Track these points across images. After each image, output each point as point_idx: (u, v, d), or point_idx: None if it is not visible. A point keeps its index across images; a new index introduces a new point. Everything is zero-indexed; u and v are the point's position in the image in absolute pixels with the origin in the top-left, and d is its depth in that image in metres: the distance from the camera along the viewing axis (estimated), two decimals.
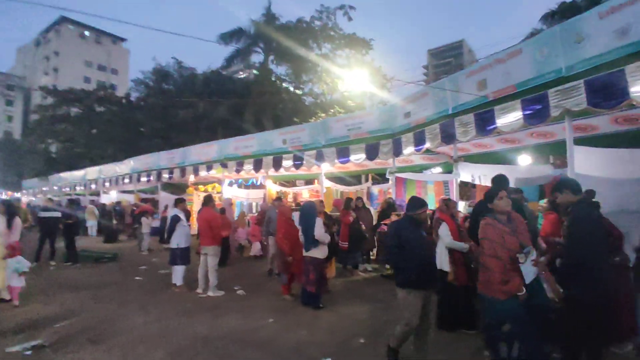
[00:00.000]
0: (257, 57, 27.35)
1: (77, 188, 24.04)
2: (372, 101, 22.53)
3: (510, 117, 6.49)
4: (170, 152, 16.46)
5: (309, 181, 15.63)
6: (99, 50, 66.34)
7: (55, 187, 27.03)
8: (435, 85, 8.63)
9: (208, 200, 6.79)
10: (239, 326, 4.87)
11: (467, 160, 11.28)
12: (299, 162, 11.76)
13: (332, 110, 19.21)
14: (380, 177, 14.85)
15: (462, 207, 8.42)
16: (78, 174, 24.30)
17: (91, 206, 17.33)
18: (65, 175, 26.17)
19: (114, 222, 15.94)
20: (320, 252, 5.35)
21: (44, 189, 28.43)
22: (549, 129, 7.65)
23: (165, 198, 16.40)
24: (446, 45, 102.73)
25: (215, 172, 14.38)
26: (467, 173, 8.27)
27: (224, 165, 13.55)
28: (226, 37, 25.08)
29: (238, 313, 5.36)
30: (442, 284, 4.38)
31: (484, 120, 7.04)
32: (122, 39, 72.24)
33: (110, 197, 21.40)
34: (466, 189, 10.08)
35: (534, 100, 6.09)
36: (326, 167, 11.84)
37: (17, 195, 32.30)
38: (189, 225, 7.00)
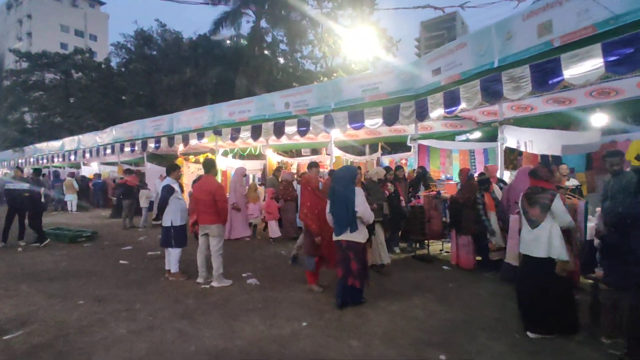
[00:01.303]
0: (247, 21, 25.31)
1: (55, 160, 22.26)
2: (377, 67, 20.83)
3: (584, 66, 5.24)
4: (156, 119, 14.84)
5: (314, 150, 14.27)
6: (76, 14, 61.97)
7: (31, 159, 25.09)
8: (478, 34, 7.26)
9: (210, 166, 5.35)
10: (263, 333, 3.59)
11: (485, 125, 10.13)
12: (305, 129, 10.41)
13: (335, 75, 17.61)
14: (389, 146, 13.60)
15: (508, 176, 7.25)
16: (55, 144, 22.43)
17: (70, 179, 15.74)
18: (42, 146, 24.22)
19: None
20: (362, 235, 4.11)
21: (20, 161, 26.45)
22: (617, 84, 6.47)
23: (152, 170, 14.91)
24: (439, 17, 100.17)
25: (207, 141, 12.92)
26: (512, 138, 7.06)
27: (218, 133, 12.10)
28: None
29: (257, 312, 4.11)
30: (547, 276, 3.24)
31: (545, 72, 5.77)
32: (101, 2, 67.73)
33: (91, 170, 19.78)
34: (511, 156, 8.90)
35: (623, 42, 4.83)
36: (336, 134, 10.49)
37: None
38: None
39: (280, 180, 9.41)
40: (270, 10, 22.73)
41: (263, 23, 24.83)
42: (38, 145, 24.79)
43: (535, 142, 7.14)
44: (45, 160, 23.47)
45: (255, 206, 9.05)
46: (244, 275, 5.55)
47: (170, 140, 13.67)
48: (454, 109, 7.63)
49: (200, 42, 28.12)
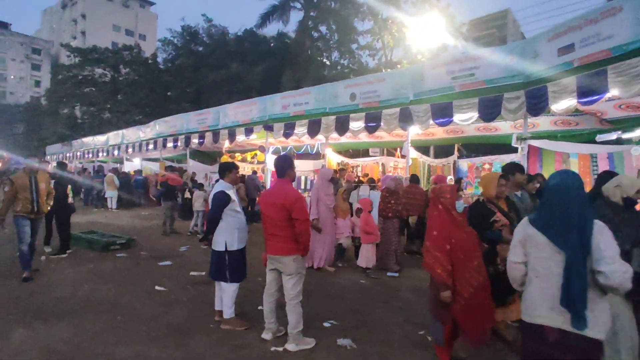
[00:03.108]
0: (296, 15, 23.93)
1: (100, 154, 21.92)
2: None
3: None
4: (201, 112, 13.61)
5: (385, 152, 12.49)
6: (127, 14, 63.84)
7: (78, 154, 25.07)
8: None
9: (286, 165, 3.46)
10: None
11: (616, 123, 7.93)
12: (374, 124, 8.67)
13: (399, 67, 15.72)
14: (464, 148, 11.59)
15: None
16: (100, 138, 22.09)
17: (111, 175, 14.90)
18: (88, 140, 24.07)
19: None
20: (603, 327, 2.19)
21: (68, 155, 26.59)
22: None
23: (194, 168, 13.76)
24: (489, 15, 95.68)
25: (256, 137, 11.49)
26: None
27: (268, 128, 10.61)
28: None
29: None
30: None
31: None
32: (151, 3, 69.46)
33: (133, 165, 19.08)
34: None
35: None
36: (414, 132, 8.68)
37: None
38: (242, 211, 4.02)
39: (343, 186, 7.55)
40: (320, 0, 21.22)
41: (311, 15, 23.41)
42: (85, 140, 24.70)
43: None
44: (90, 155, 23.28)
45: (345, 223, 6.44)
46: (326, 325, 3.88)
47: (215, 135, 12.35)
48: (594, 98, 5.64)
49: (246, 37, 27.19)
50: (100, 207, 14.68)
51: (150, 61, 29.11)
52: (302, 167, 11.50)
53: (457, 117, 7.59)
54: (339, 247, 6.55)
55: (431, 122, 7.88)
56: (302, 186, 12.18)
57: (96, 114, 29.91)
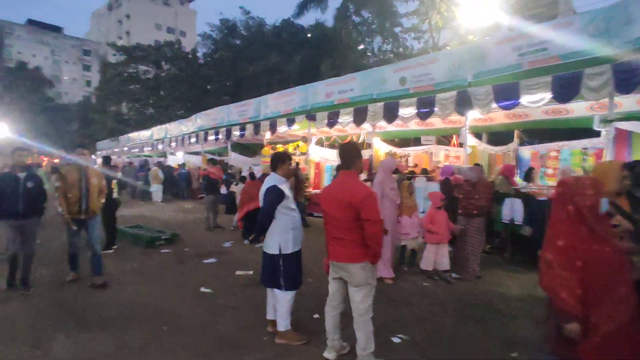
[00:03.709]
0: (334, 2, 23.17)
1: (145, 149, 22.50)
2: None
3: None
4: (241, 104, 13.36)
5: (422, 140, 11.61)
6: (168, 13, 65.57)
7: (125, 148, 25.93)
8: None
9: (353, 154, 2.87)
10: None
11: None
12: (427, 110, 7.95)
13: (448, 48, 14.61)
14: (524, 134, 10.49)
15: None
16: (145, 133, 22.68)
17: (155, 168, 15.07)
18: (134, 135, 24.83)
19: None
20: None
21: (116, 150, 27.62)
22: None
23: (236, 161, 13.57)
24: None
25: (298, 128, 11.04)
26: None
27: (311, 118, 10.10)
28: None
29: None
30: None
31: None
32: None
33: (176, 159, 19.34)
34: None
35: None
36: (471, 117, 7.85)
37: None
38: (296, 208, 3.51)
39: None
40: None
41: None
42: (131, 135, 25.49)
43: None
44: (136, 150, 23.98)
45: (412, 221, 5.44)
46: (395, 340, 3.33)
47: (257, 127, 12.03)
48: None
49: (284, 27, 26.80)
50: (146, 200, 14.89)
51: (190, 56, 29.49)
52: None
53: (525, 99, 6.73)
54: (404, 250, 5.71)
55: (493, 105, 7.05)
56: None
57: (140, 110, 30.81)
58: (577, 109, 7.87)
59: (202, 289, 4.63)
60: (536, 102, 6.79)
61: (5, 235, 4.45)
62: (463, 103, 7.34)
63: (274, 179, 3.31)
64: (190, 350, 3.19)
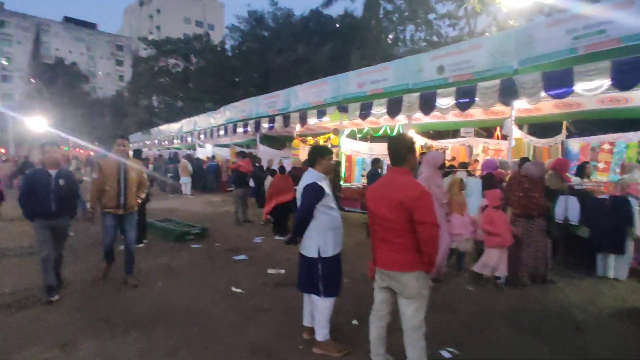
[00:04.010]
0: None
1: (175, 141, 22.77)
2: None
3: None
4: (270, 95, 13.13)
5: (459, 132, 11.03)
6: (197, 6, 66.43)
7: (155, 141, 26.40)
8: None
9: (405, 148, 2.51)
10: None
11: None
12: (467, 100, 7.41)
13: (486, 34, 13.81)
14: (573, 126, 9.72)
15: None
16: (175, 126, 22.92)
17: (184, 161, 15.16)
18: (164, 128, 25.18)
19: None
20: None
21: (147, 142, 28.18)
22: None
23: (265, 153, 13.40)
24: None
25: (329, 120, 10.70)
26: None
27: (343, 109, 9.72)
28: None
29: None
30: None
31: None
32: None
33: (205, 152, 19.45)
34: None
35: None
36: (517, 106, 7.30)
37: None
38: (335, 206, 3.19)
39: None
40: None
41: None
42: (161, 128, 25.87)
43: None
44: (166, 142, 24.33)
45: (463, 220, 4.99)
46: (445, 355, 2.98)
47: (286, 119, 11.75)
48: None
49: (311, 18, 26.39)
50: (175, 193, 15.02)
51: (218, 49, 29.62)
52: (378, 151, 10.53)
53: (580, 87, 6.12)
54: (454, 252, 5.21)
55: (542, 94, 6.46)
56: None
57: (170, 103, 31.34)
58: (638, 97, 7.16)
59: (234, 289, 4.41)
60: (592, 90, 6.15)
61: (36, 236, 4.10)
62: (508, 92, 6.77)
63: (313, 175, 3.00)
64: (222, 357, 2.96)
